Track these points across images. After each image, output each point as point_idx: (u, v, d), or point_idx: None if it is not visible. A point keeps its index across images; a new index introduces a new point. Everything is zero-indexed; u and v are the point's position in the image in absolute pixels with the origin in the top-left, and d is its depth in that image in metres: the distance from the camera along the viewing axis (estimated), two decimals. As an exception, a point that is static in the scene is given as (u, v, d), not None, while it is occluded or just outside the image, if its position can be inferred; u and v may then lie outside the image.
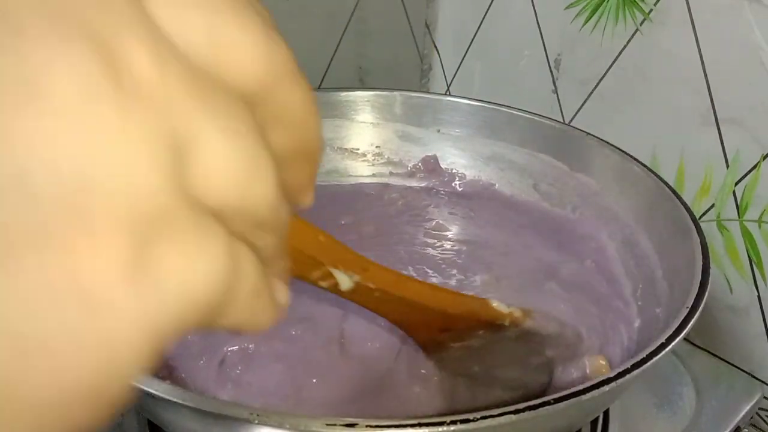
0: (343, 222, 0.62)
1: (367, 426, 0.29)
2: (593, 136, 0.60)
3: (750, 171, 0.56)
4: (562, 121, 0.71)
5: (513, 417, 0.31)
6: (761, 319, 0.59)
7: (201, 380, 0.45)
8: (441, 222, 0.64)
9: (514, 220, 0.64)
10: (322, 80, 0.74)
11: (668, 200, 0.51)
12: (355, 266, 0.38)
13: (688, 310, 0.40)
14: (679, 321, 0.39)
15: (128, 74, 0.13)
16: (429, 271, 0.57)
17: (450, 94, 0.84)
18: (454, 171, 0.68)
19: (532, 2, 0.71)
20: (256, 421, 0.30)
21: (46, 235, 0.13)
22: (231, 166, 0.15)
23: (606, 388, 0.34)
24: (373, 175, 0.69)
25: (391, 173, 0.69)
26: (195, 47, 0.15)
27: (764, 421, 0.61)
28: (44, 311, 0.13)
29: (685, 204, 0.50)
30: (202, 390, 0.44)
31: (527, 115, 0.64)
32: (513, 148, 0.65)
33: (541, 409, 0.31)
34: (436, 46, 0.85)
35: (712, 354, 0.62)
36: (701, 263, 0.44)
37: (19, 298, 0.12)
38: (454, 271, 0.57)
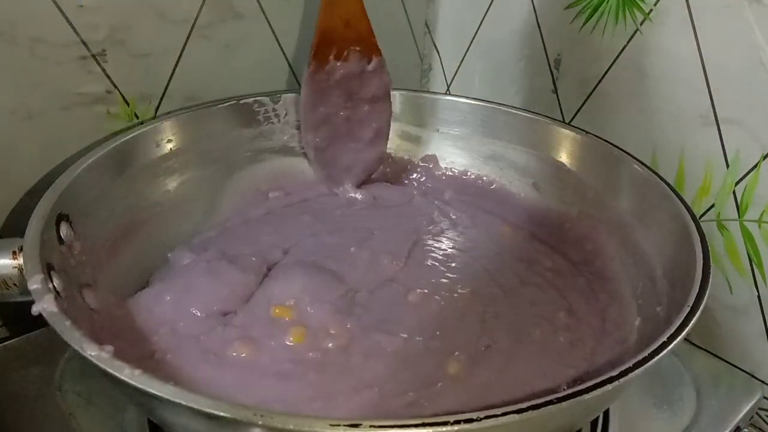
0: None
1: (370, 426, 0.29)
2: (593, 135, 0.60)
3: (750, 171, 0.56)
4: (562, 121, 0.71)
5: (516, 417, 0.31)
6: (761, 319, 0.59)
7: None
8: (440, 220, 0.64)
9: (513, 219, 0.64)
10: (322, 80, 0.74)
11: (668, 200, 0.52)
12: None
13: (689, 309, 0.40)
14: (680, 320, 0.39)
15: None
16: (429, 263, 0.57)
17: (450, 94, 0.84)
18: (453, 170, 0.68)
19: (532, 2, 0.71)
20: (260, 422, 0.30)
21: None
22: None
23: (609, 386, 0.34)
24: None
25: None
26: None
27: (764, 421, 0.61)
28: None
29: (686, 203, 0.50)
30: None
31: (527, 115, 0.64)
32: (512, 147, 0.65)
33: (543, 408, 0.32)
34: (436, 46, 0.85)
35: (712, 354, 0.62)
36: (701, 263, 0.44)
37: None
38: (454, 264, 0.57)
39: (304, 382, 0.44)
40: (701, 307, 0.40)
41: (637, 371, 0.35)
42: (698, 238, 0.46)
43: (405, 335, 0.48)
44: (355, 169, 0.66)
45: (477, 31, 0.79)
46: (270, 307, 0.50)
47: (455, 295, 0.53)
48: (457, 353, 0.47)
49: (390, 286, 0.54)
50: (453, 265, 0.57)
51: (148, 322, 0.48)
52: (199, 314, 0.49)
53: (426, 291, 0.53)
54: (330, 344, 0.47)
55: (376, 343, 0.47)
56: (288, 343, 0.47)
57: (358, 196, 0.66)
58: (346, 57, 0.61)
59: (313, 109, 0.63)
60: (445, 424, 0.30)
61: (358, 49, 0.61)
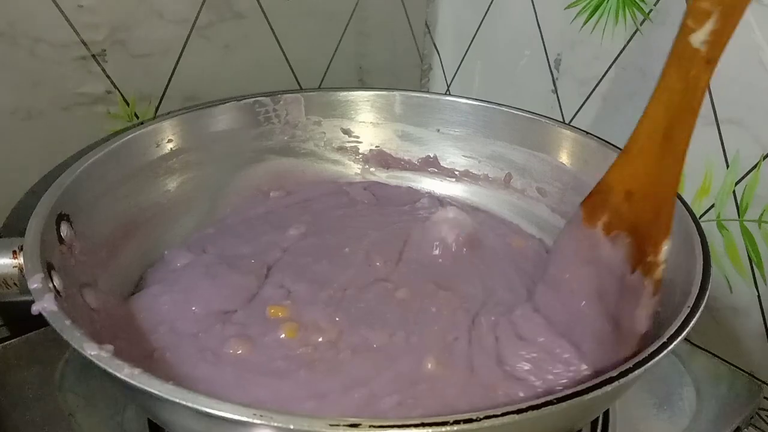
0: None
1: (370, 426, 0.29)
2: (593, 135, 0.60)
3: (750, 171, 0.56)
4: (562, 121, 0.71)
5: (516, 417, 0.31)
6: (761, 319, 0.59)
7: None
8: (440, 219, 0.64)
9: (512, 219, 0.64)
10: (322, 80, 0.74)
11: (668, 200, 0.51)
12: None
13: (689, 309, 0.40)
14: (680, 320, 0.39)
15: None
16: (421, 262, 0.57)
17: (450, 94, 0.84)
18: (453, 170, 0.68)
19: (532, 2, 0.71)
20: (260, 422, 0.30)
21: None
22: None
23: (608, 387, 0.34)
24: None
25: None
26: None
27: (764, 421, 0.61)
28: None
29: (686, 204, 0.50)
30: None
31: (527, 115, 0.64)
32: (513, 148, 0.65)
33: (543, 408, 0.32)
34: (436, 46, 0.85)
35: (712, 354, 0.62)
36: (701, 263, 0.44)
37: None
38: (443, 261, 0.57)
39: (296, 381, 0.44)
40: (701, 307, 0.40)
41: (637, 371, 0.35)
42: (698, 238, 0.46)
43: (390, 331, 0.48)
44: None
45: (477, 31, 0.79)
46: (266, 306, 0.50)
47: (439, 293, 0.53)
48: (433, 350, 0.47)
49: (380, 284, 0.54)
50: (441, 262, 0.57)
51: (148, 321, 0.48)
52: (198, 312, 0.49)
53: (411, 289, 0.53)
54: (320, 339, 0.47)
55: (363, 338, 0.48)
56: (281, 337, 0.48)
57: (365, 199, 0.66)
58: (613, 238, 0.44)
59: (555, 262, 0.49)
60: (444, 424, 0.30)
61: (626, 237, 0.44)
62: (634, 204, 0.43)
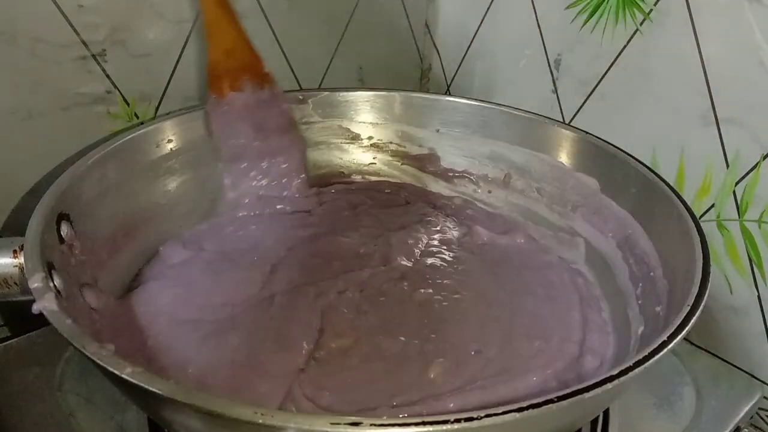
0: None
1: (371, 425, 0.29)
2: (593, 135, 0.60)
3: (750, 171, 0.56)
4: (562, 121, 0.71)
5: (517, 415, 0.31)
6: (761, 319, 0.59)
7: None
8: (445, 220, 0.64)
9: (515, 219, 0.64)
10: (322, 80, 0.74)
11: (668, 200, 0.51)
12: None
13: (689, 308, 0.40)
14: (680, 320, 0.39)
15: None
16: (438, 263, 0.57)
17: (449, 94, 0.84)
18: (453, 170, 0.68)
19: (532, 2, 0.71)
20: (261, 420, 0.30)
21: None
22: None
23: (609, 386, 0.34)
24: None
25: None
26: None
27: (764, 421, 0.61)
28: None
29: (686, 204, 0.50)
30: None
31: (527, 115, 0.64)
32: (512, 148, 0.65)
33: (544, 407, 0.31)
34: (436, 46, 0.85)
35: (712, 354, 0.62)
36: (701, 263, 0.44)
37: None
38: (461, 266, 0.57)
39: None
40: (701, 307, 0.40)
41: (637, 370, 0.35)
42: (698, 238, 0.46)
43: (404, 338, 0.48)
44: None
45: (477, 31, 0.79)
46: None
47: (457, 296, 0.53)
48: (442, 359, 0.46)
49: (398, 285, 0.54)
50: (460, 267, 0.57)
51: (147, 315, 0.48)
52: (201, 304, 0.49)
53: (431, 291, 0.53)
54: (333, 345, 0.47)
55: (376, 345, 0.47)
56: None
57: (367, 200, 0.66)
58: (240, 87, 0.60)
59: (224, 141, 0.61)
60: (445, 422, 0.30)
61: (247, 78, 0.60)
62: (233, 55, 0.59)
